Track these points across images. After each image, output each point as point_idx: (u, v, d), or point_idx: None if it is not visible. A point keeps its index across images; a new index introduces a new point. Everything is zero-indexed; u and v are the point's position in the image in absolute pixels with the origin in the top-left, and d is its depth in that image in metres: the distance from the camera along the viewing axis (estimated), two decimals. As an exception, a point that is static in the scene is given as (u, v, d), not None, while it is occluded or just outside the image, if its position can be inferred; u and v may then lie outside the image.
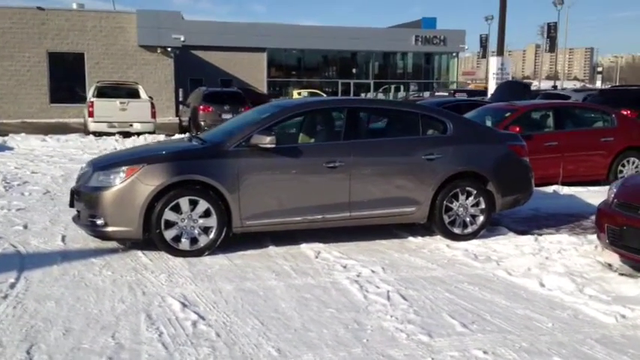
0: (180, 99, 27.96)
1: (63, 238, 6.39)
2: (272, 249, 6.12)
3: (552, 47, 64.52)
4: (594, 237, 6.42)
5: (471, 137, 6.58)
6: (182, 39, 30.34)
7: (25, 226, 6.88)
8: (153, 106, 19.31)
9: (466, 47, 50.16)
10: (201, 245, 5.79)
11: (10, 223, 7.01)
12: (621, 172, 10.13)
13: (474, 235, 6.51)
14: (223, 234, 5.85)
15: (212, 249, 5.84)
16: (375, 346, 3.77)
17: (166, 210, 5.67)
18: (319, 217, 6.10)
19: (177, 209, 5.71)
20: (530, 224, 7.38)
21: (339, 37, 44.03)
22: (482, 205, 6.51)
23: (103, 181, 5.75)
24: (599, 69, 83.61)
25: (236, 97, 20.47)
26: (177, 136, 18.02)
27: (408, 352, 3.71)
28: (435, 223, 6.43)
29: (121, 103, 18.86)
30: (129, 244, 6.04)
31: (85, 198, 5.84)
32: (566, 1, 65.62)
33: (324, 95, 39.79)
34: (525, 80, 39.38)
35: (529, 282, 5.03)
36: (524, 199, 6.86)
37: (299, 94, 41.06)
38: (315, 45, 44.21)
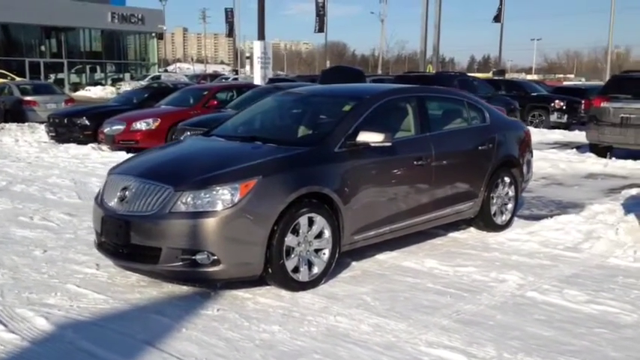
0: None
1: (109, 287, 4.49)
2: (358, 265, 5.25)
3: (231, 32, 66.75)
4: (586, 214, 7.02)
5: (503, 125, 6.56)
6: None
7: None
8: None
9: (165, 28, 48.64)
10: (318, 272, 4.67)
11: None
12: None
13: (508, 224, 6.52)
14: (337, 255, 4.80)
15: (327, 275, 4.74)
16: None
17: (288, 233, 4.41)
18: (413, 221, 5.44)
19: (294, 231, 4.48)
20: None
21: (23, 9, 38.40)
22: (512, 193, 6.57)
23: (207, 202, 4.18)
24: (248, 55, 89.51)
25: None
26: None
27: None
28: (483, 215, 6.25)
29: None
30: (220, 284, 4.52)
31: (173, 229, 4.17)
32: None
33: (14, 77, 34.53)
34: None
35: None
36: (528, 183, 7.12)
37: (-20, 73, 34.83)
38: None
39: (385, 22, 57.98)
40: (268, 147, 4.90)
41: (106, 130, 12.76)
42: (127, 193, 4.45)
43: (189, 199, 4.20)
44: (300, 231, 4.51)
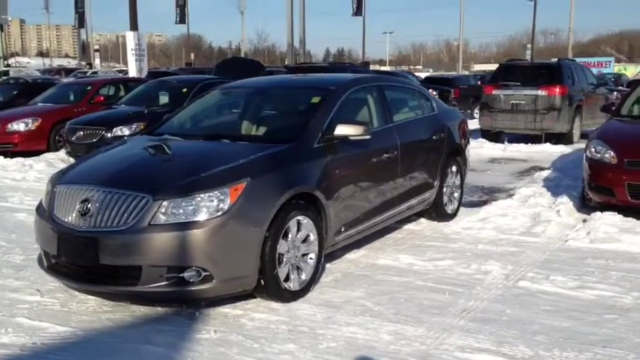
0: None
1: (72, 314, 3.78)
2: (334, 267, 4.91)
3: (82, 23, 62.47)
4: (518, 197, 7.15)
5: (448, 114, 6.48)
6: None
7: None
8: None
9: (9, 19, 44.38)
10: (307, 279, 4.27)
11: None
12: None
13: (456, 213, 6.48)
14: (322, 258, 4.43)
15: (315, 281, 4.37)
16: None
17: (280, 239, 3.97)
18: (384, 215, 5.20)
19: (284, 237, 4.06)
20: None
21: None
22: (458, 182, 6.53)
23: (193, 211, 3.62)
24: (97, 47, 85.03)
25: None
26: None
27: None
28: (436, 205, 6.13)
29: None
30: (204, 302, 3.96)
31: (155, 245, 3.57)
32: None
33: None
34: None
35: (624, 246, 5.37)
36: None
37: None
38: None
39: (245, 14, 57.17)
40: (243, 145, 4.40)
41: (-24, 132, 11.28)
42: (89, 205, 3.76)
43: (171, 208, 3.62)
44: (290, 235, 4.08)
